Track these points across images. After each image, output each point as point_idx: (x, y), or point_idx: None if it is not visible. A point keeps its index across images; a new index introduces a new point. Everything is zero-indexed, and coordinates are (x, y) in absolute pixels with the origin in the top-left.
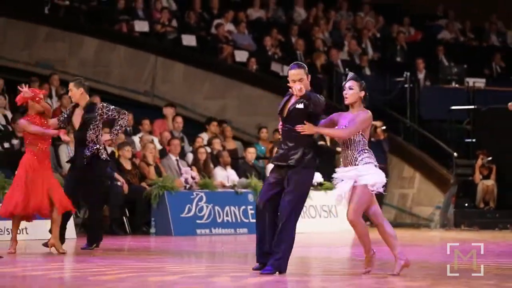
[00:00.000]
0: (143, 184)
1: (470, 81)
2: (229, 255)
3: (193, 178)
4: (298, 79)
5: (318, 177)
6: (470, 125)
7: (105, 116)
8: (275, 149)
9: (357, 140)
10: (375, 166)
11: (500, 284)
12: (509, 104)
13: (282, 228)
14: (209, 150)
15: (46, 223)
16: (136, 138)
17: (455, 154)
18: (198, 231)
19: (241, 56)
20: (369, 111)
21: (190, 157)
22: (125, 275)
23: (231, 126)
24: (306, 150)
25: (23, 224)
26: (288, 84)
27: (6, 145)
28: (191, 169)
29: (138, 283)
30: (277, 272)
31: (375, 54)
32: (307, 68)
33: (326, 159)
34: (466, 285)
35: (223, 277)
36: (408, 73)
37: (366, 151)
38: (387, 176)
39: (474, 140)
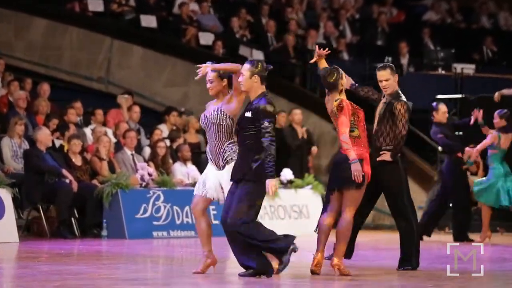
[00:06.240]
0: (94, 181)
1: (458, 67)
2: (188, 260)
3: (149, 174)
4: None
5: (288, 174)
6: (457, 116)
7: None
8: None
9: None
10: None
11: None
12: (496, 94)
13: None
14: (168, 143)
15: None
16: (87, 130)
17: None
18: (155, 233)
19: (206, 38)
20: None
21: (147, 151)
22: (73, 281)
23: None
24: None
25: None
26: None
27: None
28: (148, 165)
29: None
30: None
31: (354, 37)
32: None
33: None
34: None
35: (181, 284)
36: (390, 58)
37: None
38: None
39: (461, 133)
